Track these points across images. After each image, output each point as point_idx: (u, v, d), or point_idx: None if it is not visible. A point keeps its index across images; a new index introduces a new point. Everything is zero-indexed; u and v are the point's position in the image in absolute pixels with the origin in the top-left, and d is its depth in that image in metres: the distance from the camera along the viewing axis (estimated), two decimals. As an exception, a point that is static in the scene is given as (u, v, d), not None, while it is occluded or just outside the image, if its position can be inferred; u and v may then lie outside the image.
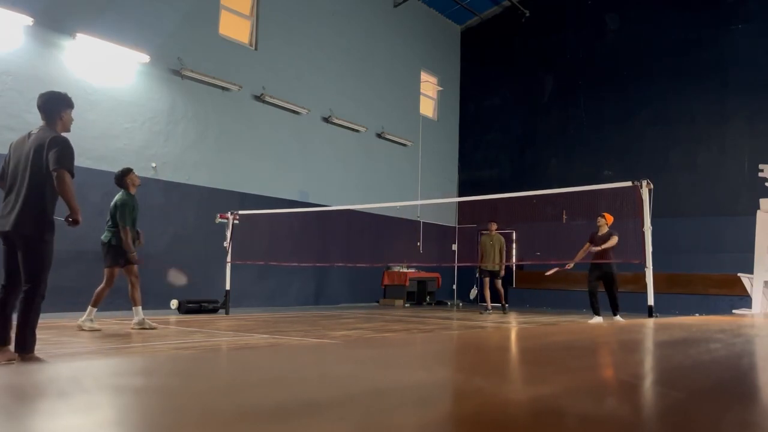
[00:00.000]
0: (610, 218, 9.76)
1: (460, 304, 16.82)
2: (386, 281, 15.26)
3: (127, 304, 7.50)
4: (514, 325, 10.32)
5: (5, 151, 4.67)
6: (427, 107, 18.31)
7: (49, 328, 6.78)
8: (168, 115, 11.22)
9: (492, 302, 12.99)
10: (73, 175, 4.33)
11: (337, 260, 13.24)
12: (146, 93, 10.90)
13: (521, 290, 16.79)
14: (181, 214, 11.25)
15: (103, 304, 7.83)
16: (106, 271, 7.08)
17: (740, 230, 11.80)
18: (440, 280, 16.37)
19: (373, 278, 15.14)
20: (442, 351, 1.42)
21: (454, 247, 18.02)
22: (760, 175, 8.06)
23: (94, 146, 9.95)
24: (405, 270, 15.28)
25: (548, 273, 10.30)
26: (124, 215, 7.04)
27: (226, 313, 10.45)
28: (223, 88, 12.11)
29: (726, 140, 14.86)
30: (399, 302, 14.94)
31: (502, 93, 18.34)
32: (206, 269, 11.38)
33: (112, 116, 10.32)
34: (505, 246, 12.82)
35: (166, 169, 11.12)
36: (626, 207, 9.73)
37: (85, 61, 10.00)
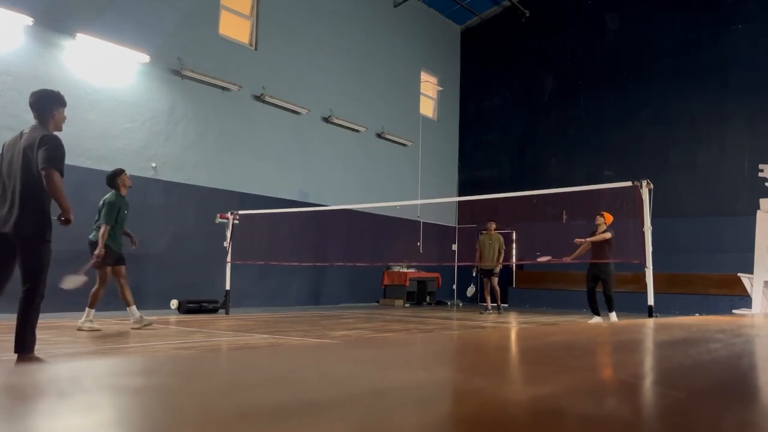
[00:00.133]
0: (609, 217, 9.76)
1: (460, 304, 16.82)
2: (386, 281, 15.26)
3: (127, 304, 7.49)
4: (514, 325, 10.32)
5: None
6: (427, 107, 18.32)
7: (49, 328, 6.78)
8: (168, 115, 11.23)
9: (490, 302, 12.99)
10: (62, 174, 4.27)
11: (337, 260, 13.24)
12: (146, 93, 10.90)
13: (521, 290, 16.79)
14: (181, 214, 11.25)
15: (103, 304, 7.84)
16: (97, 271, 7.06)
17: (740, 230, 11.80)
18: (440, 280, 16.37)
19: (373, 278, 15.14)
20: (442, 351, 1.42)
21: (454, 247, 18.03)
22: (760, 175, 8.06)
23: (94, 146, 9.95)
24: (405, 270, 15.29)
25: (540, 259, 10.32)
26: (108, 214, 7.03)
27: (226, 313, 10.45)
28: (223, 88, 12.11)
29: (726, 140, 14.86)
30: (399, 302, 14.94)
31: (502, 93, 18.34)
32: (206, 269, 11.38)
33: (112, 116, 10.32)
34: (504, 246, 12.81)
35: (166, 169, 11.13)
36: (626, 207, 9.72)
37: (85, 61, 10.00)
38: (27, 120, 4.63)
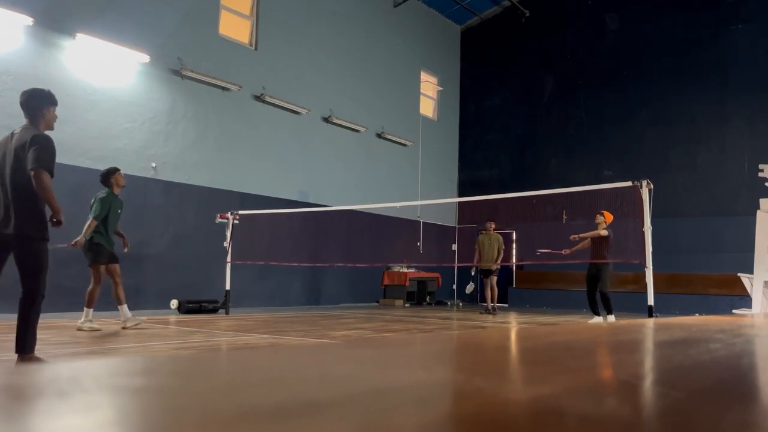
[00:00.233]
0: (609, 216, 9.76)
1: (460, 304, 16.82)
2: (386, 281, 15.26)
3: (128, 304, 7.47)
4: (514, 325, 10.32)
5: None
6: (427, 107, 18.32)
7: (49, 328, 6.78)
8: (168, 115, 11.23)
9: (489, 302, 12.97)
10: (53, 174, 4.23)
11: (337, 260, 13.23)
12: (146, 93, 10.90)
13: (521, 290, 16.79)
14: (181, 214, 11.25)
15: (103, 304, 7.84)
16: (91, 269, 7.05)
17: (740, 230, 11.80)
18: (440, 280, 16.37)
19: (373, 278, 15.14)
20: (442, 351, 1.42)
21: (454, 247, 18.03)
22: (760, 175, 8.06)
23: (94, 146, 9.95)
24: (405, 270, 15.29)
25: (541, 250, 10.36)
26: (98, 209, 7.00)
27: (226, 313, 10.46)
28: (223, 88, 12.11)
29: (726, 140, 14.86)
30: (399, 302, 14.94)
31: (502, 93, 18.34)
32: (206, 269, 11.38)
33: (112, 116, 10.32)
34: (503, 246, 12.79)
35: (166, 169, 11.13)
36: (626, 207, 9.72)
37: (85, 61, 9.99)
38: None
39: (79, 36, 9.83)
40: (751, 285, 7.93)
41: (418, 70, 17.79)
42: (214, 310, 10.66)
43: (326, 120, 14.46)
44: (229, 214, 10.97)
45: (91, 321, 6.93)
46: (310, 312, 11.60)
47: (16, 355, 4.25)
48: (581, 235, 9.89)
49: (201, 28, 11.86)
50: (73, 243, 6.83)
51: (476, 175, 18.47)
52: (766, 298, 7.74)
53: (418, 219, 16.52)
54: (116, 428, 0.54)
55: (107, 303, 7.98)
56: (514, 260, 16.43)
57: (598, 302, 9.64)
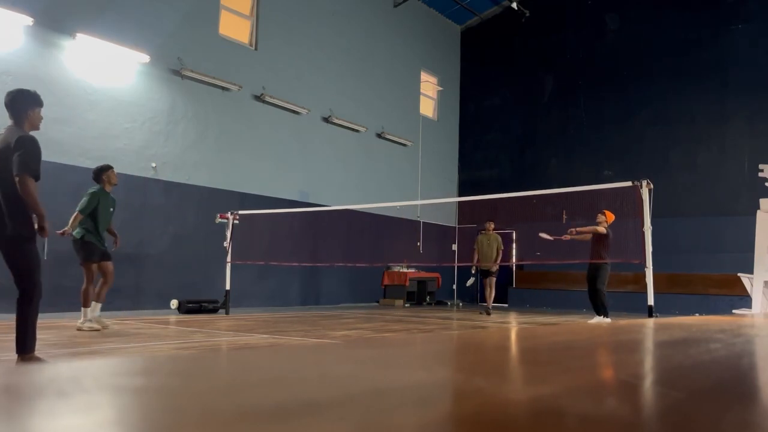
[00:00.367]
0: (610, 216, 9.76)
1: (460, 304, 16.82)
2: (386, 281, 15.26)
3: (128, 304, 7.50)
4: (514, 325, 10.32)
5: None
6: (427, 107, 18.32)
7: (49, 328, 6.78)
8: (168, 115, 11.23)
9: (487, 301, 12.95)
10: (38, 177, 4.18)
11: (337, 260, 13.23)
12: (146, 93, 10.90)
13: (521, 290, 16.79)
14: (181, 214, 11.25)
15: (107, 303, 7.81)
16: (83, 268, 7.04)
17: (740, 230, 11.79)
18: (440, 280, 16.37)
19: (373, 278, 15.14)
20: (442, 351, 1.42)
21: (454, 247, 18.03)
22: (760, 175, 8.06)
23: (94, 146, 9.95)
24: (405, 270, 15.29)
25: (541, 234, 10.30)
26: (84, 203, 6.95)
27: (226, 313, 10.46)
28: (223, 88, 12.11)
29: (726, 140, 14.86)
30: (399, 302, 14.94)
31: (502, 93, 18.34)
32: (206, 269, 11.38)
33: (112, 116, 10.32)
34: (502, 246, 12.76)
35: (166, 169, 11.13)
36: (626, 207, 9.72)
37: (85, 61, 9.99)
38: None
39: (79, 36, 9.83)
40: (751, 285, 7.93)
41: (418, 70, 17.79)
42: (214, 310, 10.66)
43: (326, 120, 14.46)
44: (229, 214, 10.97)
45: (90, 321, 6.93)
46: (310, 312, 11.60)
47: (16, 355, 4.25)
48: (579, 228, 9.86)
49: (201, 28, 11.86)
50: (60, 232, 6.83)
51: (476, 175, 18.47)
52: (766, 298, 7.74)
53: (418, 219, 16.52)
54: (116, 428, 0.54)
55: (108, 303, 7.98)
56: (514, 260, 16.43)
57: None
